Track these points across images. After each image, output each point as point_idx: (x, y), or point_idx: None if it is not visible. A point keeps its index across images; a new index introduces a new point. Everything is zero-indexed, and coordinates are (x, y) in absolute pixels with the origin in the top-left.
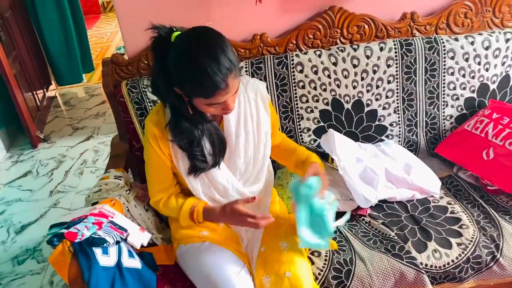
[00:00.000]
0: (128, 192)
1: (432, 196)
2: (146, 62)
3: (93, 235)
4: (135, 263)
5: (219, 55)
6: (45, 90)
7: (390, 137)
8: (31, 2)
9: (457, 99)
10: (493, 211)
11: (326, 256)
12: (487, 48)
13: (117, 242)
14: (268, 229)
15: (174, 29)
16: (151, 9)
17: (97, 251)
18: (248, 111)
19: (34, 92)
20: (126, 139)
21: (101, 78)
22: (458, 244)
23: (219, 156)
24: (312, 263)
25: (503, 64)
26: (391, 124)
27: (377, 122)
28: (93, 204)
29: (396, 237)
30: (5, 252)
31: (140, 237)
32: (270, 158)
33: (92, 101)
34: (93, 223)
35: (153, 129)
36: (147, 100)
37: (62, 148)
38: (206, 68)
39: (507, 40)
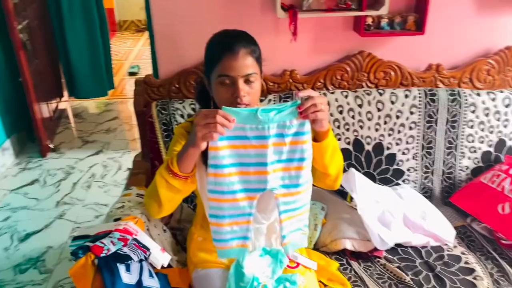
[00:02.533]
0: None
1: (446, 244)
2: (178, 86)
3: (118, 251)
4: (154, 283)
5: (232, 31)
6: (58, 101)
7: (407, 182)
8: (57, 14)
9: (475, 151)
10: (507, 265)
11: None
12: (507, 106)
13: (140, 261)
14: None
15: None
16: (189, 35)
17: (121, 267)
18: None
19: (49, 102)
20: (148, 158)
21: (114, 94)
22: None
23: None
24: None
25: None
26: (408, 169)
27: (395, 166)
28: (115, 220)
29: (411, 282)
30: (7, 259)
31: (161, 257)
32: None
33: (104, 116)
34: (118, 239)
35: (181, 131)
36: (175, 123)
37: (71, 159)
38: (222, 35)
39: None
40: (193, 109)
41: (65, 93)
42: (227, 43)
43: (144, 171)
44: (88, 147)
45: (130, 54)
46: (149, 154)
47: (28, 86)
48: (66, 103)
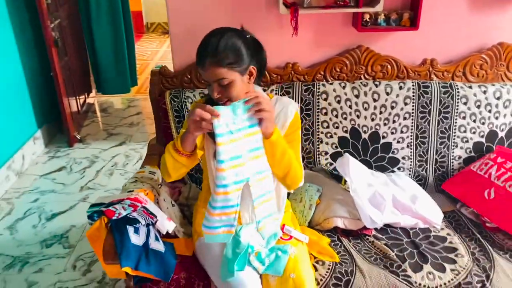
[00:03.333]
0: (160, 186)
1: (433, 226)
2: (189, 77)
3: (128, 215)
4: (160, 246)
5: (213, 38)
6: (86, 96)
7: (402, 169)
8: (86, 15)
9: (467, 142)
10: (489, 246)
11: (329, 265)
12: (498, 98)
13: (147, 225)
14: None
15: None
16: (199, 31)
17: (130, 229)
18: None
19: (77, 96)
20: (162, 142)
21: (139, 91)
22: (452, 270)
23: None
24: (316, 270)
25: None
26: (403, 158)
27: (390, 154)
28: (129, 192)
29: (395, 257)
30: (36, 235)
31: (167, 224)
32: None
33: (128, 111)
34: (129, 205)
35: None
36: (186, 110)
37: (96, 150)
38: (201, 42)
39: None
40: (202, 97)
41: (93, 89)
42: (198, 57)
43: (158, 153)
44: (112, 139)
45: (156, 55)
46: (162, 138)
47: (58, 81)
48: (93, 98)
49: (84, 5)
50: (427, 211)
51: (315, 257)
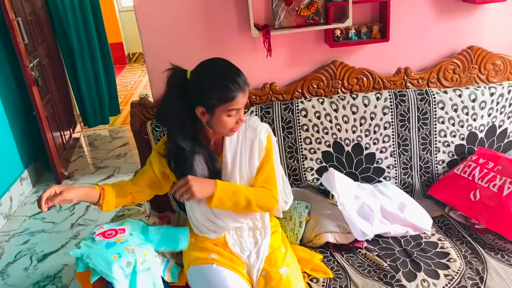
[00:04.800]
0: (147, 218)
1: (424, 233)
2: None
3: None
4: None
5: (231, 64)
6: (71, 131)
7: (388, 178)
8: (68, 50)
9: (448, 145)
10: (479, 247)
11: (323, 282)
12: (473, 101)
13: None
14: (270, 256)
15: (185, 70)
16: (175, 59)
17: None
18: (244, 147)
19: (62, 133)
20: None
21: (124, 122)
22: (445, 275)
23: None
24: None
25: (489, 115)
26: (388, 167)
27: (375, 165)
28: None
29: (388, 268)
30: (28, 278)
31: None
32: None
33: (114, 143)
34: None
35: (156, 154)
36: None
37: (85, 185)
38: (228, 71)
39: (491, 94)
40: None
41: (79, 123)
42: (239, 83)
43: None
44: (100, 172)
45: (139, 85)
46: None
47: (41, 119)
48: (79, 132)
49: (64, 41)
50: (416, 218)
51: (309, 275)
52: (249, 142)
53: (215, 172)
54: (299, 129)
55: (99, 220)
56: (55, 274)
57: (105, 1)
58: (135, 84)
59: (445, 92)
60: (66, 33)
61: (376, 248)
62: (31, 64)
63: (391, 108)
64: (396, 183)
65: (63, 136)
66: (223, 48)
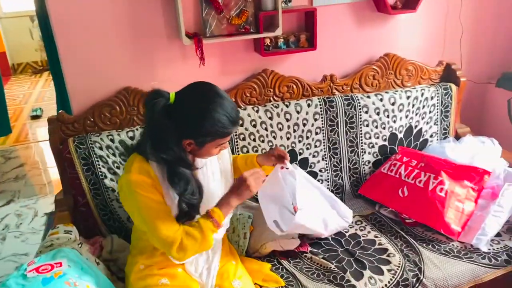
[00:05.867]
0: (80, 246)
1: (361, 230)
2: (93, 119)
3: None
4: None
5: (224, 94)
6: None
7: (321, 181)
8: None
9: (373, 147)
10: (412, 240)
11: None
12: (393, 104)
13: None
14: (221, 270)
15: (167, 92)
16: (97, 70)
17: None
18: (215, 159)
19: None
20: (71, 195)
21: (18, 140)
22: (389, 270)
23: (198, 202)
24: None
25: (406, 116)
26: (320, 170)
27: (309, 169)
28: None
29: (336, 269)
30: None
31: None
32: None
33: (9, 165)
34: None
35: (144, 179)
36: (94, 156)
37: None
38: (225, 108)
39: (408, 97)
40: (111, 140)
41: None
42: (237, 120)
43: (67, 208)
44: None
45: (30, 97)
46: (71, 191)
47: None
48: None
49: None
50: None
51: (260, 286)
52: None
53: (200, 189)
54: (236, 138)
55: (3, 251)
56: None
57: None
58: (25, 97)
59: (368, 97)
60: None
61: (320, 251)
62: None
63: (321, 114)
64: (328, 185)
65: None
66: (151, 57)
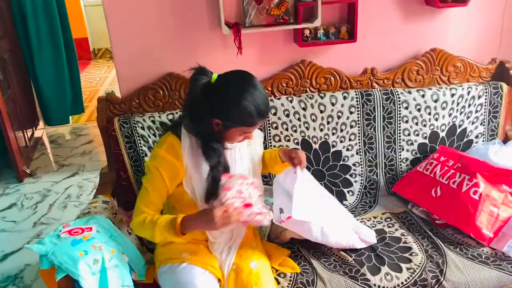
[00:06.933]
0: (114, 215)
1: (389, 227)
2: (138, 101)
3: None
4: None
5: (260, 87)
6: (34, 129)
7: (354, 176)
8: (28, 45)
9: (412, 144)
10: (440, 241)
11: (291, 277)
12: (436, 101)
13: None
14: (241, 250)
15: (212, 72)
16: (144, 56)
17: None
18: (245, 146)
19: (24, 130)
20: (114, 169)
21: (89, 119)
22: (408, 269)
23: None
24: (278, 282)
25: (450, 115)
26: (354, 164)
27: (342, 162)
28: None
29: (353, 262)
30: None
31: None
32: None
33: (79, 141)
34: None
35: (168, 157)
36: (137, 135)
37: (47, 183)
38: (256, 99)
39: (452, 95)
40: (153, 121)
41: (41, 121)
42: (264, 114)
43: (110, 181)
44: (64, 170)
45: (105, 81)
46: (114, 166)
47: (2, 115)
48: (42, 130)
49: (24, 36)
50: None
51: (276, 270)
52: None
53: (226, 169)
54: (269, 127)
55: (63, 219)
56: (16, 274)
57: None
58: (101, 80)
59: (409, 92)
60: (28, 28)
61: None
62: None
63: (358, 107)
64: (362, 180)
65: (25, 133)
66: (193, 45)
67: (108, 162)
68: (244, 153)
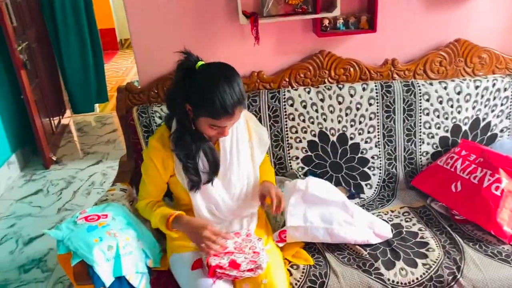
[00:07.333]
0: (131, 203)
1: (406, 221)
2: (156, 91)
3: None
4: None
5: (235, 87)
6: (60, 117)
7: (372, 169)
8: (56, 35)
9: (432, 137)
10: (458, 238)
11: (304, 269)
12: (458, 93)
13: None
14: None
15: (200, 59)
16: (163, 46)
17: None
18: (241, 133)
19: (51, 118)
20: (133, 158)
21: (114, 108)
22: (424, 264)
23: (213, 174)
24: (291, 274)
25: (473, 108)
26: (372, 157)
27: (360, 155)
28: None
29: (368, 256)
30: (13, 261)
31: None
32: None
33: (104, 129)
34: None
35: (158, 147)
36: (154, 125)
37: (73, 170)
38: (222, 93)
39: (476, 87)
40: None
41: (68, 109)
42: (228, 110)
43: (129, 170)
44: (89, 158)
45: (131, 71)
46: (133, 155)
47: (29, 103)
48: (69, 118)
49: (52, 26)
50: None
51: (290, 262)
52: (244, 124)
53: (215, 163)
54: (286, 118)
55: (86, 205)
56: (41, 258)
57: None
58: (127, 70)
59: (431, 84)
60: (55, 18)
61: None
62: (20, 47)
63: (377, 99)
64: (380, 173)
65: (52, 121)
66: (211, 35)
67: (127, 151)
68: (242, 147)
